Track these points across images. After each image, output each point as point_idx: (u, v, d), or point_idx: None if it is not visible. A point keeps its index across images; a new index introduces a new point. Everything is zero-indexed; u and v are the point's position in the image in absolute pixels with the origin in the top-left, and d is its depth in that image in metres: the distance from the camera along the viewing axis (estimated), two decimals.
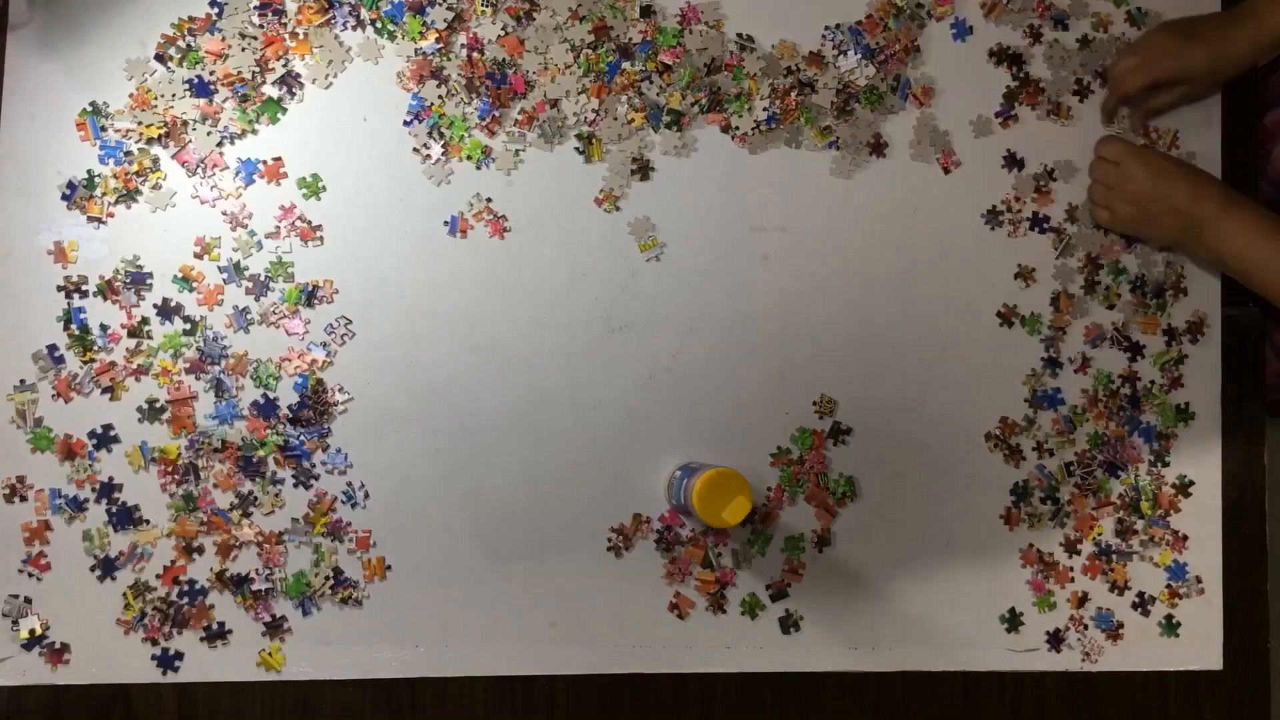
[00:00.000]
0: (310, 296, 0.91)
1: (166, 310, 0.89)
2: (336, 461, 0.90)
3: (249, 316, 0.90)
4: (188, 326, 0.90)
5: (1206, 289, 1.01)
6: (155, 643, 0.88)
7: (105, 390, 0.88)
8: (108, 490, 0.88)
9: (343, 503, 0.91)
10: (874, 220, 0.98)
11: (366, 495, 0.91)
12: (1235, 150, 1.02)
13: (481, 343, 0.93)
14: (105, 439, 0.88)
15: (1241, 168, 1.02)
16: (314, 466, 0.90)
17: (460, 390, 0.92)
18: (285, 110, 0.92)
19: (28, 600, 0.87)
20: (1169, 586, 1.00)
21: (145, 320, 0.89)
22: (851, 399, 0.97)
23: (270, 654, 0.89)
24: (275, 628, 0.89)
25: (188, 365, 0.89)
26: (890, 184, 0.98)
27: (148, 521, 0.88)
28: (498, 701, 0.92)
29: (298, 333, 0.91)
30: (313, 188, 0.92)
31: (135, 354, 0.89)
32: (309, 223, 0.91)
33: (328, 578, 0.89)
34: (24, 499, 0.88)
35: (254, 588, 0.89)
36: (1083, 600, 0.98)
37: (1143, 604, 0.99)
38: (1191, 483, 1.00)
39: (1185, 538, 1.00)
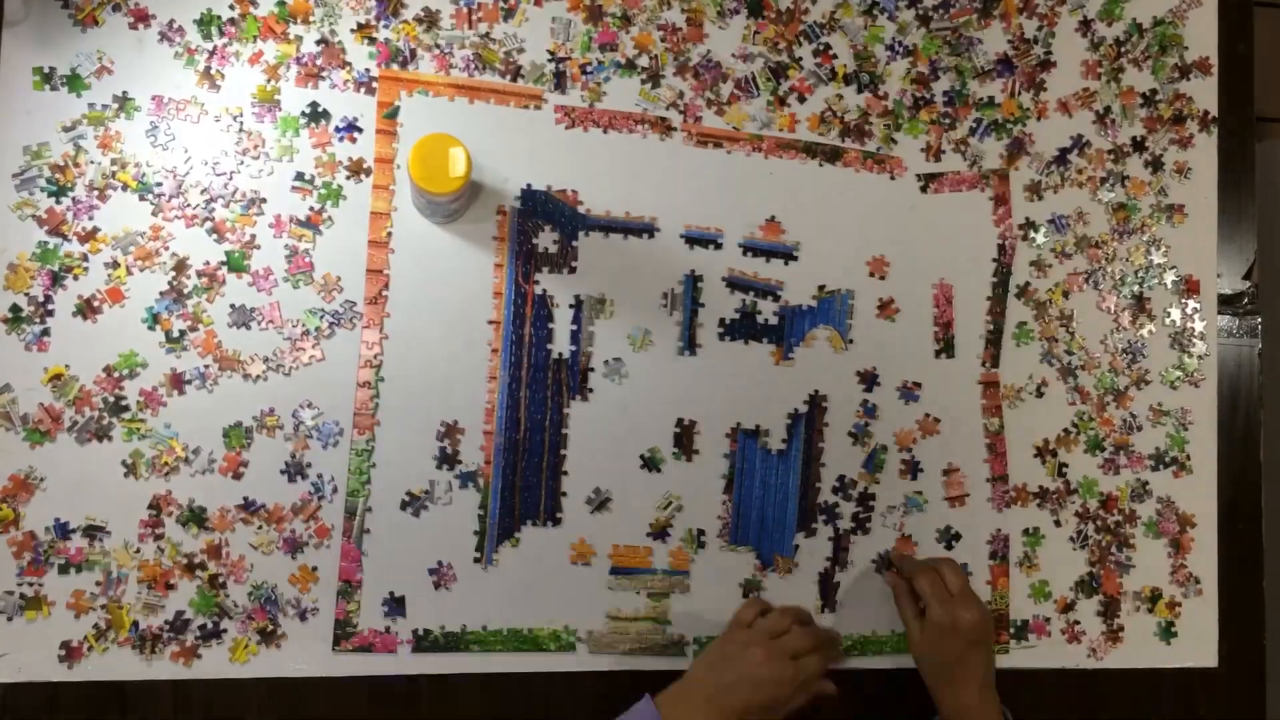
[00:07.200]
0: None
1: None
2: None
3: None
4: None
5: (1203, 292, 1.02)
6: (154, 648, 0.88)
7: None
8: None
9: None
10: None
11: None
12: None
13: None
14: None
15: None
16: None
17: (455, 384, 0.93)
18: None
19: (23, 598, 0.87)
20: (1166, 585, 1.00)
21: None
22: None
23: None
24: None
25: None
26: None
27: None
28: (494, 699, 0.92)
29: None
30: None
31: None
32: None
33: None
34: (17, 521, 0.87)
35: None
36: (1070, 605, 0.99)
37: (1140, 602, 0.99)
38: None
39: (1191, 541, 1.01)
